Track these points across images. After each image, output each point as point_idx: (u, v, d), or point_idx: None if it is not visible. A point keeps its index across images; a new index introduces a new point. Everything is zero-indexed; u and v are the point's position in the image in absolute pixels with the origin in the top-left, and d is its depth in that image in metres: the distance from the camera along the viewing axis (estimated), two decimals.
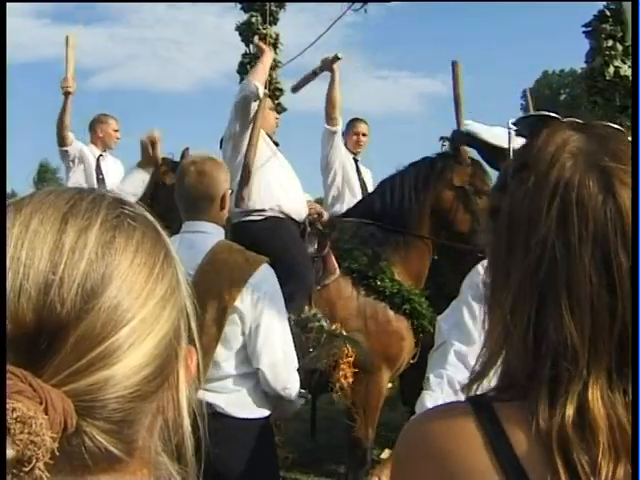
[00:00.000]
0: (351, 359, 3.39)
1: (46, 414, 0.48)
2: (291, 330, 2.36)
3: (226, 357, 2.20)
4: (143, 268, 0.56)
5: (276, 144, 3.90)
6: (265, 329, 2.18)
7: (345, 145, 4.72)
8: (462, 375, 1.68)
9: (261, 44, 4.20)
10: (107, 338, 0.52)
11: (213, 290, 2.14)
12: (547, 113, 0.74)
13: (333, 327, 3.41)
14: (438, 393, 1.66)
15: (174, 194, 2.40)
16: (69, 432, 0.50)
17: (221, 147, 3.87)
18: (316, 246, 3.72)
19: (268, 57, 3.92)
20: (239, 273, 2.17)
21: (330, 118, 4.41)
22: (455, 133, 3.96)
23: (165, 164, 4.33)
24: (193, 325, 0.61)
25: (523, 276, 0.67)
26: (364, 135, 4.83)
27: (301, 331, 3.30)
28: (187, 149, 4.49)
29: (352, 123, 4.86)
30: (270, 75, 6.56)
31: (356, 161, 4.75)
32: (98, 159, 4.80)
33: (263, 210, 3.60)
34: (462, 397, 1.67)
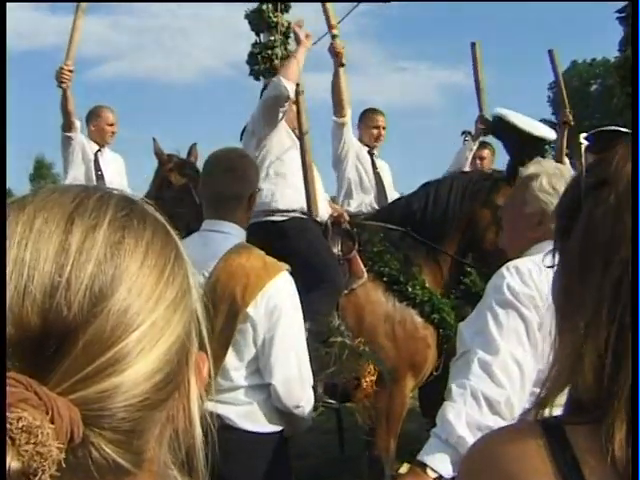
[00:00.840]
0: (373, 377, 3.39)
1: (52, 423, 0.48)
2: (311, 343, 2.35)
3: (236, 366, 2.18)
4: (153, 270, 0.56)
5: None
6: (280, 341, 2.15)
7: (360, 138, 4.71)
8: (486, 385, 1.67)
9: (299, 31, 3.93)
10: (116, 343, 0.52)
11: (226, 294, 2.13)
12: (618, 128, 0.75)
13: (356, 342, 3.39)
14: (460, 404, 1.66)
15: (199, 189, 2.40)
16: (75, 443, 0.50)
17: (241, 139, 3.90)
18: (340, 247, 3.74)
19: (303, 50, 3.85)
20: (255, 279, 2.15)
21: (338, 109, 4.38)
22: (486, 121, 3.90)
23: (171, 161, 4.42)
24: (204, 330, 0.62)
25: (600, 298, 0.67)
26: (384, 128, 4.80)
27: (322, 345, 3.30)
28: (194, 145, 4.56)
29: (369, 115, 4.83)
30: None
31: (371, 155, 4.72)
32: (96, 155, 4.82)
33: (287, 210, 3.63)
34: (485, 409, 1.67)
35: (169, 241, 0.60)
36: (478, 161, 5.36)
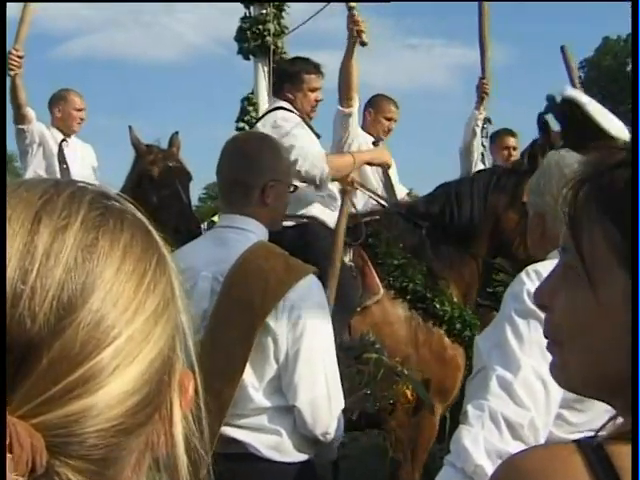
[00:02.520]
0: (411, 405, 3.35)
1: (10, 452, 0.48)
2: (342, 359, 2.31)
3: (256, 386, 2.10)
4: (131, 276, 0.56)
5: (318, 136, 3.97)
6: (306, 357, 2.07)
7: (365, 126, 4.68)
8: (507, 407, 1.64)
9: (377, 156, 4.11)
10: (87, 360, 0.52)
11: (242, 301, 2.07)
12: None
13: (394, 361, 3.36)
14: (477, 428, 1.63)
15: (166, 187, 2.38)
16: (38, 473, 0.49)
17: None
18: (351, 257, 3.75)
19: (364, 160, 3.93)
20: (276, 283, 2.08)
21: (345, 98, 4.28)
22: (551, 99, 3.89)
23: (151, 153, 4.36)
24: (191, 344, 0.62)
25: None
26: (395, 121, 4.77)
27: (354, 362, 3.27)
28: (176, 135, 4.52)
29: (381, 104, 4.75)
30: (275, 44, 6.63)
31: (375, 146, 4.63)
32: (60, 145, 4.76)
33: (294, 216, 3.65)
34: (506, 433, 1.67)
35: (150, 243, 0.60)
36: (505, 151, 5.39)
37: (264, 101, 6.39)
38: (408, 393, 3.33)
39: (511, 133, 5.38)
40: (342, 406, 2.16)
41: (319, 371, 2.10)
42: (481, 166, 5.35)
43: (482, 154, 5.71)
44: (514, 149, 5.26)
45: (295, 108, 3.95)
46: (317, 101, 4.07)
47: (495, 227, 3.73)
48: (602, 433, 0.72)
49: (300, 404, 2.07)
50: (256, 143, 2.29)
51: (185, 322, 0.61)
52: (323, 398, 2.09)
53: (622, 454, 0.68)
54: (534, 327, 1.69)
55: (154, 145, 4.44)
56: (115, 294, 0.54)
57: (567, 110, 3.61)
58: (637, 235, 0.65)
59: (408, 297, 3.67)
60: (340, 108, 4.32)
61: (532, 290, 1.69)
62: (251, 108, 6.67)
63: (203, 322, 2.07)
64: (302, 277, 2.11)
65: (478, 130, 5.00)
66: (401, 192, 4.57)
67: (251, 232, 2.19)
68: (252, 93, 6.76)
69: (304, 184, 3.71)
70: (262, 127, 3.82)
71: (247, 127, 6.47)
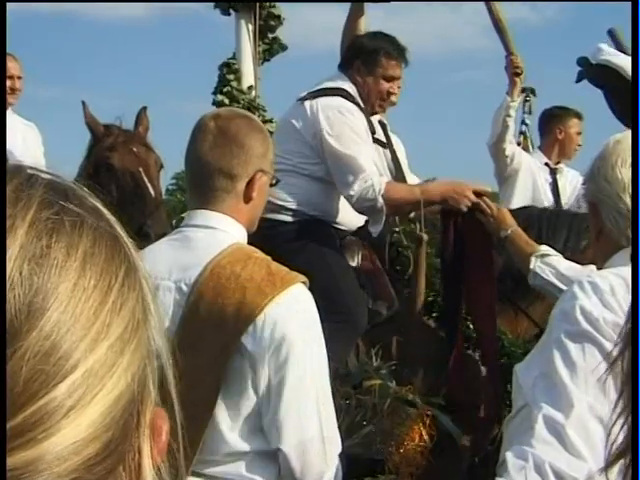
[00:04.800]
0: (427, 445, 3.28)
1: None
2: (338, 389, 2.31)
3: (231, 424, 2.06)
4: (93, 293, 0.56)
5: (383, 145, 4.00)
6: (293, 388, 2.02)
7: (363, 96, 4.61)
8: (556, 456, 1.61)
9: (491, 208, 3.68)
10: (34, 400, 0.51)
11: (212, 317, 2.04)
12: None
13: (404, 390, 3.33)
14: None
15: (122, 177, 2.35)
16: None
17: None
18: (359, 260, 3.79)
19: (435, 197, 3.77)
20: (255, 295, 2.04)
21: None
22: (584, 63, 3.86)
23: (110, 135, 4.32)
24: (170, 376, 0.62)
25: None
26: (398, 87, 4.35)
27: (353, 391, 3.25)
28: (144, 110, 4.48)
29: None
30: None
31: (383, 126, 4.38)
32: None
33: (296, 210, 3.72)
34: None
35: (117, 251, 0.60)
36: (560, 134, 5.39)
37: (248, 68, 6.40)
38: (423, 431, 3.28)
39: (573, 114, 5.29)
40: (339, 449, 2.12)
41: (310, 405, 2.06)
42: (525, 156, 5.34)
43: (524, 134, 5.69)
44: (578, 134, 5.20)
45: (359, 95, 3.94)
46: (390, 94, 4.02)
47: None
48: None
49: (286, 447, 2.02)
50: (243, 123, 2.26)
51: (161, 349, 0.61)
52: (315, 440, 2.05)
53: None
54: (590, 353, 1.66)
55: (114, 125, 4.40)
56: (71, 316, 0.54)
57: (602, 76, 3.61)
58: (637, 235, 0.65)
59: (434, 314, 3.69)
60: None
61: (587, 306, 1.70)
62: (232, 77, 6.66)
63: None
64: (288, 287, 2.07)
65: (511, 122, 4.95)
66: (413, 182, 4.54)
67: (225, 232, 2.17)
68: (233, 58, 6.75)
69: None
70: (313, 107, 3.79)
71: (227, 101, 6.47)
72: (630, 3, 2.02)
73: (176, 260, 2.11)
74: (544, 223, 3.81)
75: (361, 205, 3.71)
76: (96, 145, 4.34)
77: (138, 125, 4.44)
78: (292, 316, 2.06)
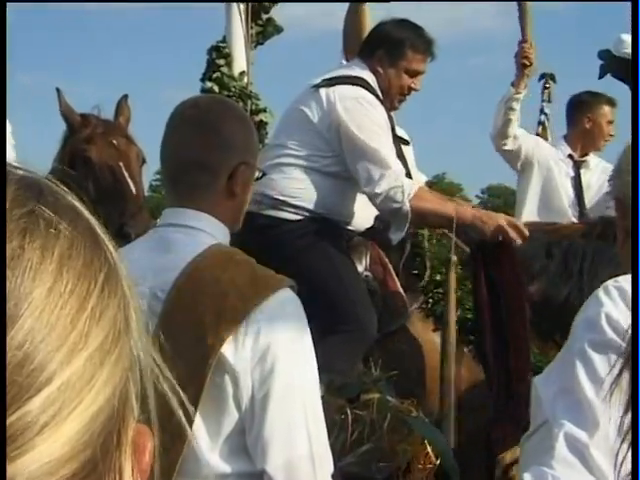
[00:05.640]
0: (432, 467, 3.27)
1: None
2: (330, 404, 2.32)
3: (210, 444, 2.04)
4: (70, 299, 0.56)
5: (405, 142, 4.00)
6: (279, 402, 2.01)
7: (383, 87, 4.56)
8: (579, 479, 1.61)
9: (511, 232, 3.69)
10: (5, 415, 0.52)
11: (190, 326, 2.03)
12: None
13: (405, 403, 3.33)
14: None
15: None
16: None
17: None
18: (367, 264, 3.79)
19: (466, 217, 3.71)
20: (236, 301, 2.02)
21: (351, 50, 4.28)
22: (607, 57, 3.87)
23: (87, 126, 4.34)
24: (150, 391, 0.63)
25: None
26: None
27: (349, 405, 3.22)
28: (125, 99, 4.51)
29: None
30: None
31: (390, 119, 4.28)
32: None
33: (300, 207, 3.69)
34: None
35: (97, 253, 0.60)
36: (588, 124, 5.34)
37: (240, 52, 6.38)
38: (429, 449, 3.27)
39: (604, 100, 5.20)
40: (332, 469, 2.09)
41: (298, 421, 2.03)
42: (542, 148, 5.30)
43: (542, 124, 5.65)
44: (609, 123, 5.17)
45: (379, 86, 3.91)
46: (411, 90, 4.00)
47: None
48: None
49: (272, 468, 1.99)
50: (222, 110, 2.25)
51: (144, 360, 0.63)
52: (304, 459, 2.02)
53: None
54: (617, 366, 1.61)
55: (92, 115, 4.39)
56: (46, 324, 0.54)
57: (626, 69, 3.63)
58: (637, 235, 0.64)
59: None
60: (344, 62, 4.33)
61: (613, 314, 1.71)
62: (222, 61, 6.65)
63: None
64: (273, 292, 2.05)
65: (513, 115, 4.92)
66: (421, 180, 4.50)
67: (205, 232, 2.15)
68: (223, 41, 6.74)
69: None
70: (330, 96, 3.76)
71: (216, 88, 6.45)
72: (630, 3, 2.07)
73: (151, 263, 2.08)
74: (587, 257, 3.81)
75: (386, 206, 3.68)
76: (72, 136, 4.34)
77: (118, 115, 4.43)
78: (277, 324, 2.05)
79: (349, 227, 3.80)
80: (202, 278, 2.06)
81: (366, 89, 3.82)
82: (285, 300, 2.08)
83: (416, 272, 3.88)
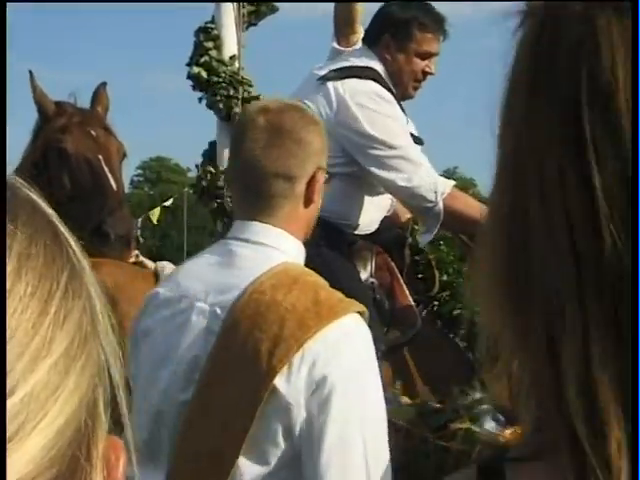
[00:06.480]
0: None
1: None
2: (416, 429, 2.31)
3: (259, 475, 2.06)
4: (30, 302, 0.56)
5: (419, 141, 3.92)
6: (332, 439, 2.04)
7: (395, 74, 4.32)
8: None
9: None
10: None
11: (245, 352, 2.07)
12: None
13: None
14: None
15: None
16: None
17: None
18: (372, 271, 3.77)
19: None
20: (295, 327, 2.06)
21: (343, 33, 4.17)
22: None
23: (63, 114, 4.36)
24: (122, 399, 0.64)
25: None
26: (435, 56, 4.09)
27: (432, 435, 3.15)
28: (103, 86, 4.52)
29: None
30: None
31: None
32: None
33: None
34: None
35: (59, 251, 0.61)
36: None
37: (230, 34, 6.35)
38: None
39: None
40: None
41: (356, 459, 2.06)
42: None
43: None
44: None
45: (389, 75, 3.87)
46: (425, 75, 3.94)
47: None
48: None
49: None
50: (298, 115, 2.30)
51: (113, 366, 0.63)
52: None
53: (523, 475, 0.77)
54: None
55: (68, 103, 4.38)
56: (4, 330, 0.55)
57: None
58: (637, 235, 0.73)
59: (462, 331, 3.72)
60: (335, 46, 4.23)
61: None
62: (210, 44, 6.65)
63: (193, 374, 2.11)
64: (335, 319, 2.09)
65: None
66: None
67: (275, 249, 2.21)
68: (212, 22, 6.72)
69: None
70: (339, 90, 3.72)
71: (204, 74, 6.43)
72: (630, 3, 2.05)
73: (215, 279, 2.18)
74: None
75: (418, 204, 3.67)
76: (45, 125, 4.32)
77: (96, 104, 4.42)
78: (337, 354, 2.09)
79: (351, 231, 3.79)
80: (262, 300, 2.10)
81: (378, 82, 3.79)
82: (349, 328, 2.12)
83: (420, 276, 3.82)
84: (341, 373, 2.07)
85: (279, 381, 2.03)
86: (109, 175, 4.12)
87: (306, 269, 2.24)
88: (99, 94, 4.42)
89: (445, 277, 3.79)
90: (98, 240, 3.92)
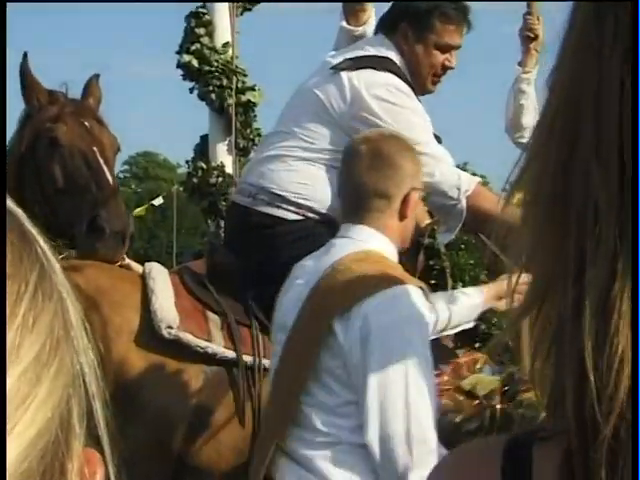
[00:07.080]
0: None
1: None
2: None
3: (327, 405, 2.61)
4: None
5: (438, 140, 3.85)
6: (377, 382, 2.52)
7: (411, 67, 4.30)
8: None
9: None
10: None
11: (318, 305, 2.67)
12: None
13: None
14: None
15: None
16: None
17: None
18: None
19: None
20: (357, 288, 2.61)
21: (352, 11, 4.11)
22: None
23: (55, 103, 4.29)
24: (99, 409, 0.63)
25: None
26: (456, 49, 4.02)
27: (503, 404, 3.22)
28: (95, 78, 4.47)
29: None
30: None
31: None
32: None
33: (299, 205, 3.66)
34: None
35: (27, 250, 0.60)
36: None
37: (223, 20, 6.32)
38: None
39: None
40: (433, 448, 2.52)
41: (398, 401, 2.52)
42: None
43: None
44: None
45: (407, 68, 3.78)
46: (446, 69, 3.86)
47: None
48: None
49: (369, 441, 2.53)
50: (394, 143, 2.85)
51: (87, 373, 0.62)
52: (398, 437, 2.52)
53: (547, 454, 0.76)
54: None
55: (59, 92, 4.31)
56: None
57: None
58: (637, 236, 0.74)
59: (477, 344, 3.70)
60: (343, 25, 4.14)
61: None
62: (202, 31, 6.62)
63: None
64: (394, 285, 2.59)
65: (525, 99, 4.76)
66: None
67: (365, 242, 2.74)
68: (203, 7, 6.70)
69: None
70: (353, 81, 3.66)
71: (195, 62, 6.40)
72: (630, 3, 2.09)
73: (315, 264, 2.77)
74: None
75: (440, 201, 3.63)
76: (36, 114, 4.23)
77: (88, 96, 4.35)
78: (386, 311, 2.58)
79: None
80: (339, 270, 2.67)
81: (396, 74, 3.71)
82: (403, 294, 2.61)
83: (434, 282, 3.82)
84: (389, 327, 2.56)
85: (336, 325, 2.58)
86: (105, 169, 4.06)
87: (388, 257, 2.73)
88: (91, 86, 4.36)
89: (460, 285, 3.76)
90: (91, 235, 3.82)
